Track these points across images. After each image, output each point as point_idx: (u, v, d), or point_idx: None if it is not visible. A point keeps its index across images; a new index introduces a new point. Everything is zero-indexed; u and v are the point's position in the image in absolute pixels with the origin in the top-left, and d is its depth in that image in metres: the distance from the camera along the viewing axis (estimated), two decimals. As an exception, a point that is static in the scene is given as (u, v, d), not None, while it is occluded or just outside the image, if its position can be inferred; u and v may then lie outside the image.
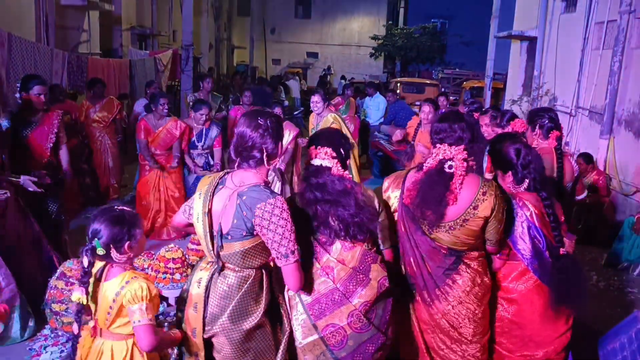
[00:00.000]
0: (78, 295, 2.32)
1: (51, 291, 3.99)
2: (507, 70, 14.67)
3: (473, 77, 22.04)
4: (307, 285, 2.53)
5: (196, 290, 2.48)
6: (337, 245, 2.60)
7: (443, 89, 18.29)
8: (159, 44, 17.12)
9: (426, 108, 6.36)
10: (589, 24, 9.48)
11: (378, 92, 11.36)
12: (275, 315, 2.58)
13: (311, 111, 6.99)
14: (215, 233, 2.40)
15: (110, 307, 2.32)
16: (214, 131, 6.46)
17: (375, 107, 10.87)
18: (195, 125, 6.35)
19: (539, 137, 3.91)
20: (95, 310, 2.42)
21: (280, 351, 2.54)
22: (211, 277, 2.45)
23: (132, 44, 15.31)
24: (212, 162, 6.46)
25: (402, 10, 36.02)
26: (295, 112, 14.00)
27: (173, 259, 4.70)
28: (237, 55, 32.14)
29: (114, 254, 2.34)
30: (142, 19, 16.47)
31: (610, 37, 8.64)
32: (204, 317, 2.44)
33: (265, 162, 2.42)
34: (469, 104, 6.40)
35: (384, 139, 9.65)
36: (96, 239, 2.31)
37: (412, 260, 2.88)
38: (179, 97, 12.55)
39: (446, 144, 2.77)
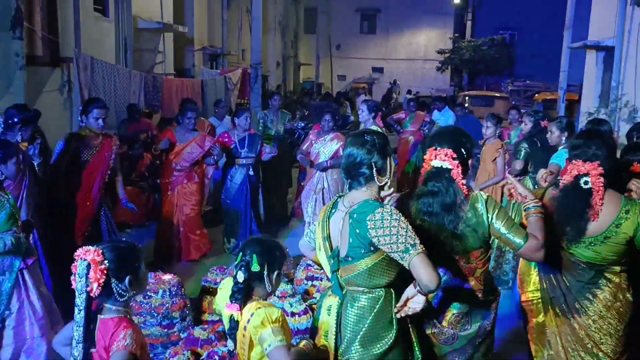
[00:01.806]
0: (231, 312, 2.31)
1: (130, 304, 4.14)
2: (580, 81, 14.10)
3: (544, 88, 21.36)
4: None
5: (326, 318, 2.46)
6: None
7: (513, 102, 17.80)
8: (229, 63, 17.60)
9: (488, 123, 6.26)
10: (672, 31, 9.00)
11: (447, 107, 11.20)
12: (405, 340, 2.51)
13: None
14: (333, 258, 2.40)
15: (244, 336, 2.29)
16: (258, 139, 6.53)
17: (444, 122, 10.69)
18: (237, 133, 6.41)
19: None
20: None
21: None
22: (341, 303, 2.43)
23: (203, 63, 15.83)
24: (252, 174, 6.41)
25: (469, 23, 35.44)
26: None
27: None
28: (303, 72, 32.58)
29: (266, 277, 2.34)
30: (213, 39, 17.02)
31: (697, 45, 8.16)
32: (336, 344, 2.42)
33: (375, 178, 2.41)
34: (532, 114, 6.20)
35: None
36: (254, 254, 2.32)
37: (550, 274, 2.91)
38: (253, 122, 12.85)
39: (580, 160, 2.75)
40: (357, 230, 2.29)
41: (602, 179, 2.69)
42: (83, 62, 7.50)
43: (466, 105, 15.48)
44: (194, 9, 14.59)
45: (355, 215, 2.32)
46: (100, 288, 2.14)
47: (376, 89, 31.86)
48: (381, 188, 2.45)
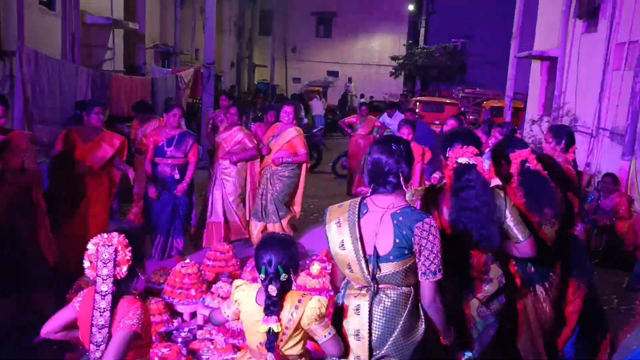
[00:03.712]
0: (270, 325, 2.31)
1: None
2: (527, 89, 14.60)
3: (493, 96, 21.95)
4: None
5: (356, 319, 2.49)
6: None
7: (463, 109, 18.24)
8: (182, 62, 17.40)
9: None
10: (610, 44, 9.43)
11: (397, 111, 11.38)
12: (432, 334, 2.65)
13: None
14: (368, 256, 2.45)
15: (287, 328, 2.33)
16: (189, 140, 6.05)
17: (394, 126, 10.86)
18: (167, 130, 6.02)
19: (561, 150, 4.19)
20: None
21: None
22: (371, 302, 2.48)
23: (155, 61, 15.59)
24: (177, 177, 5.97)
25: (422, 30, 36.07)
26: (314, 130, 14.06)
27: (188, 274, 4.74)
28: (258, 74, 32.45)
29: (293, 277, 2.38)
30: (165, 37, 16.78)
31: (632, 57, 8.56)
32: (370, 342, 2.47)
33: (402, 185, 2.50)
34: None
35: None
36: (279, 265, 2.33)
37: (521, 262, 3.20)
38: (200, 115, 12.70)
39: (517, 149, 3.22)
40: (404, 232, 2.40)
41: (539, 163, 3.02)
42: (27, 56, 7.26)
43: (417, 110, 15.77)
44: (145, 6, 14.37)
45: (401, 219, 2.42)
46: (127, 272, 2.25)
47: (331, 93, 32.02)
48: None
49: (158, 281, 5.00)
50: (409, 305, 2.48)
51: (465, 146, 2.82)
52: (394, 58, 32.01)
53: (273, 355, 2.34)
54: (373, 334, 2.47)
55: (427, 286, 2.42)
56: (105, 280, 2.21)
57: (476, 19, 33.72)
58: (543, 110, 12.96)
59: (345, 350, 2.48)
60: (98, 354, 2.21)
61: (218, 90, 15.84)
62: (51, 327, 2.43)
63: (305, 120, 16.80)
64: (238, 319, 2.55)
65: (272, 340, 2.33)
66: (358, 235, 2.46)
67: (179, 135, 6.03)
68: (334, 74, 35.15)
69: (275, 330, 2.31)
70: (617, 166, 8.36)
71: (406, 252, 2.41)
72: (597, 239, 6.99)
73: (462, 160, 2.80)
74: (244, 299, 2.47)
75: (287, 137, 6.48)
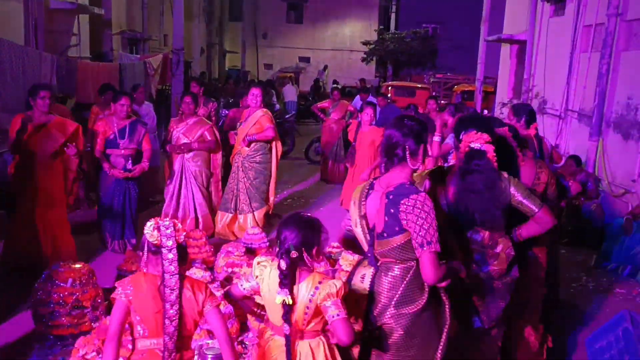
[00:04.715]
0: (282, 297, 2.40)
1: (38, 294, 3.95)
2: (497, 74, 14.74)
3: (464, 80, 22.13)
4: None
5: (360, 285, 2.68)
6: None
7: (434, 93, 18.34)
8: (150, 48, 17.07)
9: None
10: (578, 27, 9.56)
11: (370, 96, 11.39)
12: (437, 306, 2.73)
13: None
14: (370, 233, 2.63)
15: (307, 308, 2.44)
16: (141, 129, 5.89)
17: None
18: (115, 120, 5.79)
19: (522, 126, 4.27)
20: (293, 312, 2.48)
21: (442, 340, 2.69)
22: (375, 273, 2.65)
23: (122, 48, 15.26)
24: (129, 167, 5.80)
25: (393, 16, 36.03)
26: (287, 116, 13.98)
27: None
28: (229, 60, 32.11)
29: (305, 257, 2.45)
30: (132, 23, 16.43)
31: (599, 39, 8.70)
32: (371, 310, 2.64)
33: (407, 160, 2.57)
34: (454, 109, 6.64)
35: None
36: (291, 243, 2.42)
37: None
38: (170, 102, 12.49)
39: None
40: (392, 210, 2.51)
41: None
42: (-13, 42, 7.03)
43: (389, 95, 15.80)
44: (111, -9, 14.03)
45: (391, 197, 2.53)
46: (184, 239, 2.55)
47: (303, 79, 31.89)
48: (413, 171, 2.65)
49: (130, 269, 4.91)
50: (407, 278, 2.58)
51: (480, 132, 2.95)
52: (365, 43, 32.00)
53: (288, 327, 2.43)
54: (374, 303, 2.62)
55: (421, 260, 2.48)
56: (172, 249, 2.49)
57: (447, 3, 33.76)
58: (513, 93, 13.12)
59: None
60: (172, 329, 2.45)
61: (188, 76, 15.61)
62: (113, 330, 2.51)
63: (277, 106, 16.72)
64: (256, 294, 2.64)
65: (287, 311, 2.42)
66: (363, 214, 2.64)
67: (130, 126, 5.82)
68: (306, 59, 35.00)
69: (287, 302, 2.39)
70: (585, 147, 8.52)
71: (397, 228, 2.50)
72: (566, 219, 7.12)
73: (475, 145, 2.93)
74: (266, 275, 2.55)
75: (254, 118, 6.36)
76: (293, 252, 2.40)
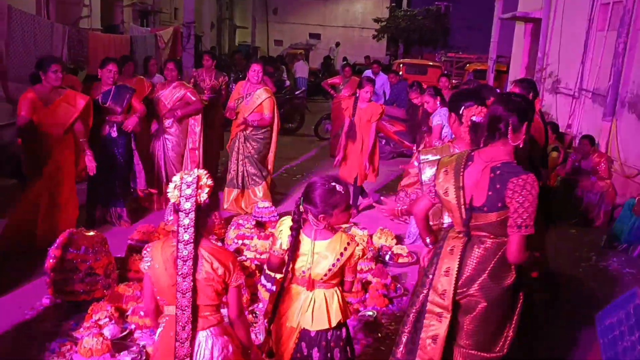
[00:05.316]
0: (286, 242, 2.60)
1: (50, 260, 3.99)
2: (511, 53, 14.56)
3: (476, 60, 21.90)
4: None
5: (448, 257, 2.67)
6: None
7: (446, 72, 18.18)
8: (161, 21, 17.00)
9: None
10: (595, 4, 9.39)
11: (382, 73, 11.31)
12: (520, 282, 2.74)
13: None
14: (467, 206, 2.61)
15: (333, 265, 2.53)
16: (126, 92, 5.64)
17: (377, 86, 10.78)
18: (103, 87, 5.59)
19: None
20: (294, 262, 2.60)
21: (513, 321, 2.72)
22: (465, 245, 2.64)
23: (133, 20, 15.21)
24: (114, 135, 5.60)
25: (406, -8, 35.67)
26: (297, 92, 13.91)
27: (172, 232, 4.70)
28: (239, 35, 31.94)
29: (311, 216, 2.54)
30: (143, -5, 16.35)
31: (616, 17, 8.54)
32: (457, 281, 2.62)
33: (509, 136, 2.57)
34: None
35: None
36: (302, 197, 2.56)
37: None
38: (181, 75, 12.47)
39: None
40: (498, 186, 2.51)
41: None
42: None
43: (400, 72, 15.67)
44: (123, -37, 13.93)
45: (498, 172, 2.53)
46: (207, 198, 2.29)
47: (313, 55, 31.69)
48: (515, 148, 2.63)
49: (141, 238, 4.95)
50: (500, 253, 2.59)
51: (479, 107, 3.06)
52: (376, 20, 31.70)
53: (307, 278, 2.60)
54: (462, 274, 2.62)
55: (512, 240, 2.50)
56: (189, 199, 2.26)
57: (460, -19, 33.30)
58: (526, 72, 12.96)
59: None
60: (185, 302, 2.28)
61: (198, 50, 15.54)
62: (146, 306, 2.51)
63: (288, 82, 16.63)
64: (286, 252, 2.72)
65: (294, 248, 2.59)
66: (461, 185, 2.62)
67: (115, 89, 5.59)
68: (316, 36, 34.74)
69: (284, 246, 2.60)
70: (598, 127, 8.43)
71: (499, 204, 2.51)
72: (577, 199, 7.10)
73: (477, 118, 3.02)
74: (285, 226, 2.66)
75: (258, 99, 6.32)
76: (302, 208, 2.56)
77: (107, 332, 3.55)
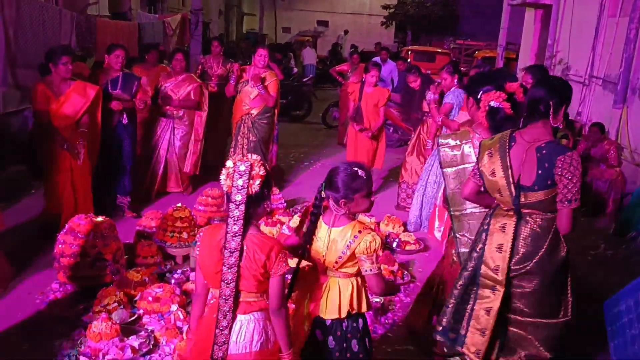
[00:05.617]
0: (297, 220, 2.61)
1: (60, 246, 4.03)
2: (520, 40, 14.41)
3: (485, 47, 21.68)
4: None
5: (500, 234, 2.80)
6: None
7: (454, 59, 18.05)
8: (168, 8, 16.95)
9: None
10: (607, -10, 9.27)
11: (390, 60, 11.23)
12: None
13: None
14: (515, 184, 2.73)
15: (343, 253, 2.49)
16: (134, 80, 5.65)
17: (386, 73, 10.72)
18: (111, 73, 5.58)
19: None
20: (310, 247, 2.58)
21: (569, 286, 2.92)
22: (517, 222, 2.77)
23: (141, 7, 15.17)
24: (125, 122, 5.59)
25: (415, -22, 35.32)
26: (304, 79, 13.87)
27: (181, 218, 4.73)
28: (247, 23, 31.83)
29: (332, 202, 2.51)
30: (151, -18, 16.31)
31: (628, 3, 8.43)
32: (510, 257, 2.76)
33: (550, 117, 2.71)
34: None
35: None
36: (324, 182, 2.53)
37: None
38: (189, 63, 12.45)
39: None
40: (546, 165, 2.64)
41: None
42: (8, -2, 6.99)
43: (409, 60, 15.57)
44: (130, -51, 13.87)
45: (544, 152, 2.67)
46: (259, 188, 2.24)
47: (321, 43, 31.53)
48: (555, 130, 2.79)
49: (149, 225, 4.98)
50: (553, 228, 2.74)
51: (497, 92, 3.11)
52: (385, 7, 31.44)
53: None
54: (517, 251, 2.76)
55: (563, 213, 2.66)
56: (240, 190, 2.21)
57: (470, -33, 32.89)
58: (535, 59, 12.83)
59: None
60: (227, 289, 2.25)
61: (206, 38, 15.51)
62: (198, 288, 2.47)
63: (295, 69, 16.59)
64: None
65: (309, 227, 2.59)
66: (508, 164, 2.73)
67: (123, 76, 5.57)
68: (324, 23, 34.55)
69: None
70: (608, 114, 8.35)
71: (549, 182, 2.65)
72: (587, 187, 7.04)
73: (495, 104, 3.09)
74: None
75: (266, 83, 6.27)
76: (323, 193, 2.54)
77: (115, 316, 3.58)
